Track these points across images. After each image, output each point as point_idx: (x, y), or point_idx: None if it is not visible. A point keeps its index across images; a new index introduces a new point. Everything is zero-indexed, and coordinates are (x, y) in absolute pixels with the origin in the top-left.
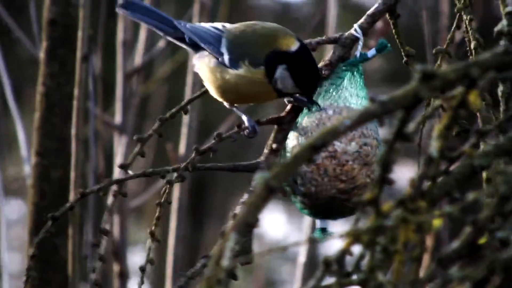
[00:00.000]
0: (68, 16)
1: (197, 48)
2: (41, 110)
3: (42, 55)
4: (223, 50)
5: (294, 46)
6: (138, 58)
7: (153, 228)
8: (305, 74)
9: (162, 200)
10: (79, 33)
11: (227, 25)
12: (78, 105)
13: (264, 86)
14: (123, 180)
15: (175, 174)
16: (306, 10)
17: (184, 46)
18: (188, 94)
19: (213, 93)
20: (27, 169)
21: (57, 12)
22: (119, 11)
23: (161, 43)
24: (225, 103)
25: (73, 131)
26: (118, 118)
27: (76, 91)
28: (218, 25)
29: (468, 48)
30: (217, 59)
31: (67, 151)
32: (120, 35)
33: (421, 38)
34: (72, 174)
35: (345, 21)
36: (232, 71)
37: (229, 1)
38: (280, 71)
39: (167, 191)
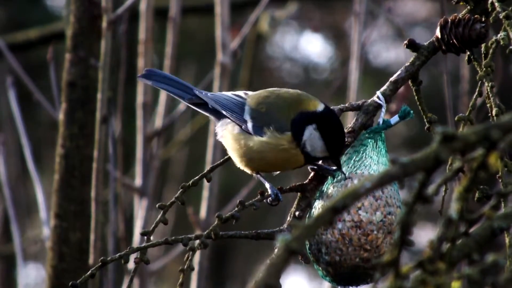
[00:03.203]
0: (87, 78)
1: (219, 115)
2: (61, 172)
3: (61, 117)
4: (246, 117)
5: (320, 107)
6: (158, 121)
7: None
8: (334, 135)
9: (185, 267)
10: (99, 95)
11: (249, 92)
12: (98, 167)
13: (290, 151)
14: (145, 247)
15: (197, 241)
16: (328, 73)
17: (205, 113)
18: (209, 157)
19: (237, 161)
20: (46, 232)
21: (76, 74)
22: (141, 80)
23: (181, 106)
24: (249, 171)
25: (92, 193)
26: (138, 181)
27: (95, 153)
28: (240, 93)
29: (489, 114)
30: (241, 126)
31: (87, 214)
32: (139, 98)
33: (442, 102)
34: (92, 237)
35: (366, 85)
36: (257, 138)
37: (250, 64)
38: (310, 132)
39: (189, 258)
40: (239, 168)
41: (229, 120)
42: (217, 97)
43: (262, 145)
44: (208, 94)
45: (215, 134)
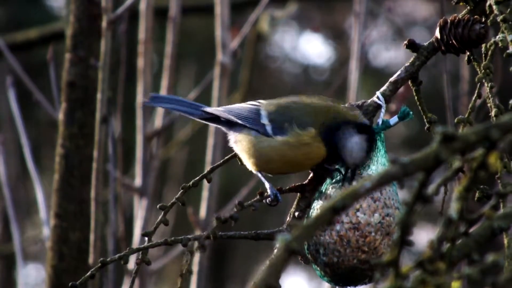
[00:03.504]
0: (87, 78)
1: (231, 126)
2: (60, 172)
3: (61, 116)
4: (264, 121)
5: (364, 119)
6: (158, 121)
7: None
8: (371, 152)
9: (184, 271)
10: (98, 95)
11: (262, 100)
12: (98, 167)
13: (312, 146)
14: (145, 248)
15: (196, 243)
16: (327, 73)
17: (216, 125)
18: (209, 157)
19: (252, 164)
20: (46, 232)
21: (76, 74)
22: (146, 105)
23: None
24: (254, 171)
25: (92, 193)
26: (138, 181)
27: (95, 153)
28: (253, 102)
29: (489, 114)
30: (258, 131)
31: (86, 214)
32: (139, 97)
33: (441, 102)
34: (91, 237)
35: (366, 85)
36: (277, 139)
37: (250, 64)
38: (357, 141)
39: (188, 261)
40: (239, 168)
41: (244, 127)
42: (228, 109)
43: (283, 143)
44: (218, 108)
45: (227, 141)
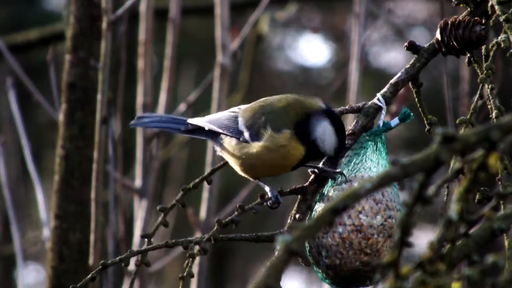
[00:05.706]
0: (87, 79)
1: (216, 136)
2: (61, 173)
3: (61, 117)
4: (242, 128)
5: (323, 104)
6: None
7: None
8: (343, 133)
9: (184, 274)
10: (99, 96)
11: (242, 106)
12: (98, 168)
13: (289, 147)
14: (145, 250)
15: (196, 247)
16: (327, 75)
17: (202, 137)
18: (209, 158)
19: (239, 170)
20: (46, 233)
21: (76, 75)
22: (133, 126)
23: (181, 107)
24: (251, 178)
25: (92, 194)
26: (138, 182)
27: (95, 154)
28: (234, 108)
29: (489, 115)
30: (238, 138)
31: (87, 215)
32: (139, 98)
33: (442, 103)
34: (92, 238)
35: (366, 86)
36: (255, 144)
37: (250, 65)
38: (323, 128)
39: (189, 264)
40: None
41: (225, 136)
42: (210, 119)
43: (261, 148)
44: (202, 118)
45: (215, 151)
